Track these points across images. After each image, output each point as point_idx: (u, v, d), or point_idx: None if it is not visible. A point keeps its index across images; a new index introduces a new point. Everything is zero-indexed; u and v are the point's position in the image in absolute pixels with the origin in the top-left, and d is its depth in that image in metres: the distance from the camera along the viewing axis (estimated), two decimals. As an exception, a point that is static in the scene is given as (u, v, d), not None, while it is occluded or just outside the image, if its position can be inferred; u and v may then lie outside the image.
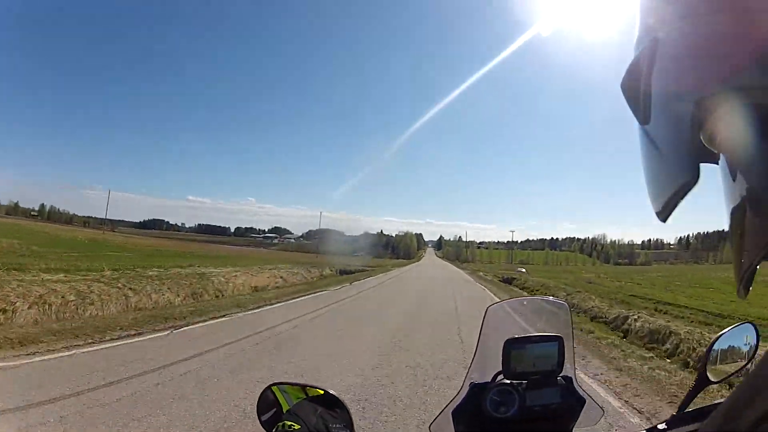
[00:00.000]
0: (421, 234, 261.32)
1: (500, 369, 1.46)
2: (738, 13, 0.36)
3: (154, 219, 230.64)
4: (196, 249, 74.79)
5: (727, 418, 0.40)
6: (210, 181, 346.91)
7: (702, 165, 0.41)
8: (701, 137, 0.40)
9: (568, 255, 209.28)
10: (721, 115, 0.38)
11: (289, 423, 1.24)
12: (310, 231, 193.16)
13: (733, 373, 1.40)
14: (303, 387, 1.32)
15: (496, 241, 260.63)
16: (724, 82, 0.36)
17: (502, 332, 1.49)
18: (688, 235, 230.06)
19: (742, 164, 0.38)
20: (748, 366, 1.41)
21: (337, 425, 1.25)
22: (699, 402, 1.29)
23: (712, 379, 1.35)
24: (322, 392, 1.31)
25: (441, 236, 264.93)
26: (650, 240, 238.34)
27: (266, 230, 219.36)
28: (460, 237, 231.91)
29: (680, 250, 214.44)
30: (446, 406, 1.45)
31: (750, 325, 1.46)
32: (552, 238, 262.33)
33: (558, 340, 1.47)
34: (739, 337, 1.43)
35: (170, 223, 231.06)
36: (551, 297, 1.84)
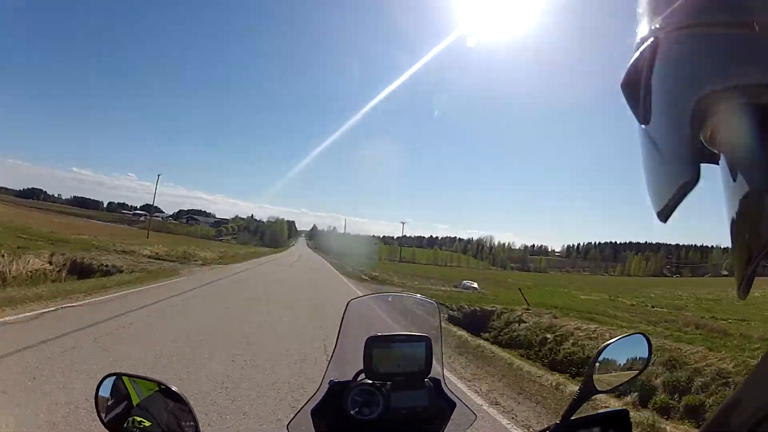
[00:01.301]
0: (293, 222, 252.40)
1: (362, 368, 1.41)
2: (738, 13, 0.35)
3: (33, 188, 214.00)
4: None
5: (727, 418, 0.39)
6: (95, 153, 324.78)
7: (702, 165, 0.40)
8: (701, 137, 0.40)
9: (455, 255, 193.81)
10: (721, 115, 0.37)
11: (140, 419, 1.14)
12: (180, 210, 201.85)
13: (623, 383, 1.41)
14: (155, 381, 1.20)
15: (372, 234, 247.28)
16: (724, 82, 0.36)
17: (364, 329, 1.47)
18: (578, 244, 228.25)
19: (742, 164, 0.38)
20: (641, 376, 1.50)
21: (190, 423, 1.14)
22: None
23: (599, 389, 1.34)
24: (164, 387, 1.18)
25: (315, 225, 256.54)
26: (534, 245, 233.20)
27: (137, 207, 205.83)
28: (334, 228, 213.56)
29: (577, 259, 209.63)
30: (305, 404, 1.39)
31: (642, 336, 1.45)
32: (431, 236, 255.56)
33: (425, 340, 1.43)
34: (629, 348, 1.44)
35: (48, 193, 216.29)
36: (418, 295, 1.80)
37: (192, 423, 1.13)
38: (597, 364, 1.35)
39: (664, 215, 0.44)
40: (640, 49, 0.44)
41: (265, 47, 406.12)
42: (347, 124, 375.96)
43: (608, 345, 1.38)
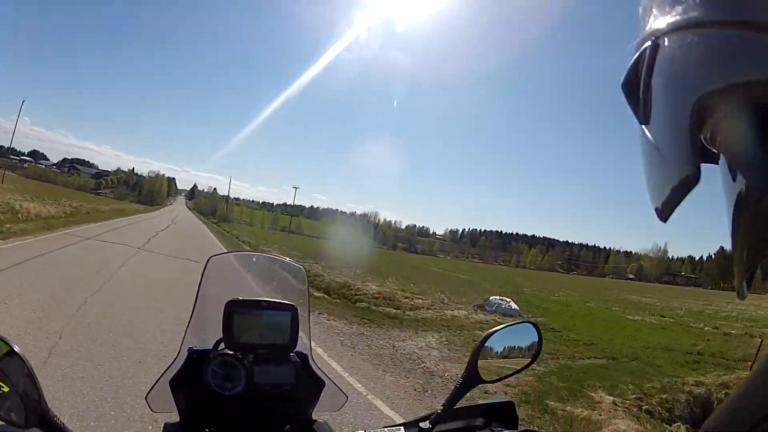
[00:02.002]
0: (174, 179, 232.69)
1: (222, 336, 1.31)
2: (737, 13, 0.35)
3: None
4: None
5: (728, 418, 0.39)
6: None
7: (702, 165, 0.40)
8: (701, 137, 0.40)
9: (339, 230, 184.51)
10: (721, 114, 0.38)
11: None
12: (65, 159, 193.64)
13: (511, 374, 1.38)
14: (4, 340, 1.00)
15: (251, 199, 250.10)
16: (724, 81, 0.36)
17: (227, 291, 1.39)
18: (463, 230, 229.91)
19: (742, 164, 0.38)
20: (531, 366, 1.41)
21: (35, 390, 0.99)
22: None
23: (485, 378, 1.30)
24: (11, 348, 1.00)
25: (195, 185, 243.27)
26: (416, 226, 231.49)
27: (26, 153, 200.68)
28: (215, 189, 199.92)
29: (465, 245, 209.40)
30: (163, 373, 1.28)
31: (531, 324, 1.42)
32: (312, 206, 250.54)
33: (291, 309, 1.33)
34: (517, 336, 1.39)
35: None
36: (287, 258, 1.67)
37: (36, 390, 0.98)
38: (482, 353, 1.30)
39: (665, 215, 0.43)
40: (641, 50, 0.44)
41: None
42: (238, 92, 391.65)
43: (494, 332, 1.32)
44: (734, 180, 0.38)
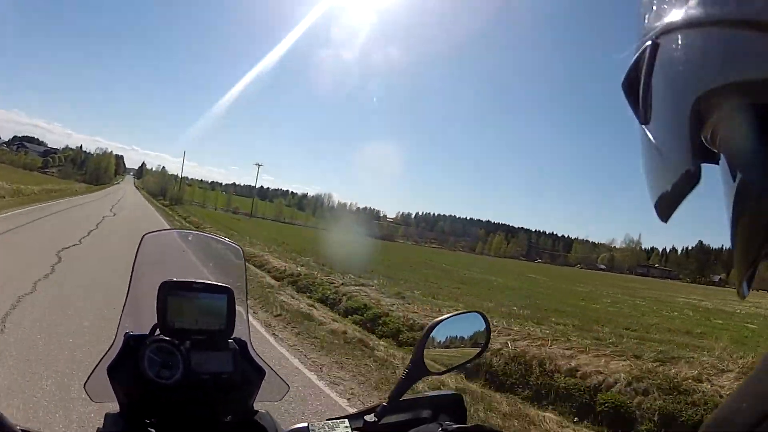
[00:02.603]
0: (122, 157, 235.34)
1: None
2: (738, 12, 0.35)
3: None
4: None
5: (728, 418, 0.39)
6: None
7: (702, 165, 0.40)
8: (702, 137, 0.40)
9: (298, 213, 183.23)
10: (721, 114, 0.38)
11: None
12: (15, 137, 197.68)
13: (458, 365, 1.38)
14: None
15: (200, 179, 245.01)
16: (724, 80, 0.36)
17: (162, 271, 1.32)
18: (417, 213, 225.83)
19: (743, 164, 0.38)
20: (483, 356, 1.40)
21: None
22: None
23: (431, 370, 1.27)
24: None
25: (144, 163, 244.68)
26: (366, 207, 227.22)
27: None
28: (164, 167, 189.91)
29: (424, 230, 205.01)
30: (101, 359, 1.23)
31: (478, 314, 1.37)
32: (262, 186, 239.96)
33: (227, 292, 1.26)
34: (464, 326, 1.35)
35: None
36: (227, 239, 1.57)
37: None
38: (427, 343, 1.25)
39: (665, 215, 0.43)
40: (641, 49, 0.44)
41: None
42: (189, 72, 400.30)
43: (440, 321, 1.28)
44: (734, 179, 0.38)
